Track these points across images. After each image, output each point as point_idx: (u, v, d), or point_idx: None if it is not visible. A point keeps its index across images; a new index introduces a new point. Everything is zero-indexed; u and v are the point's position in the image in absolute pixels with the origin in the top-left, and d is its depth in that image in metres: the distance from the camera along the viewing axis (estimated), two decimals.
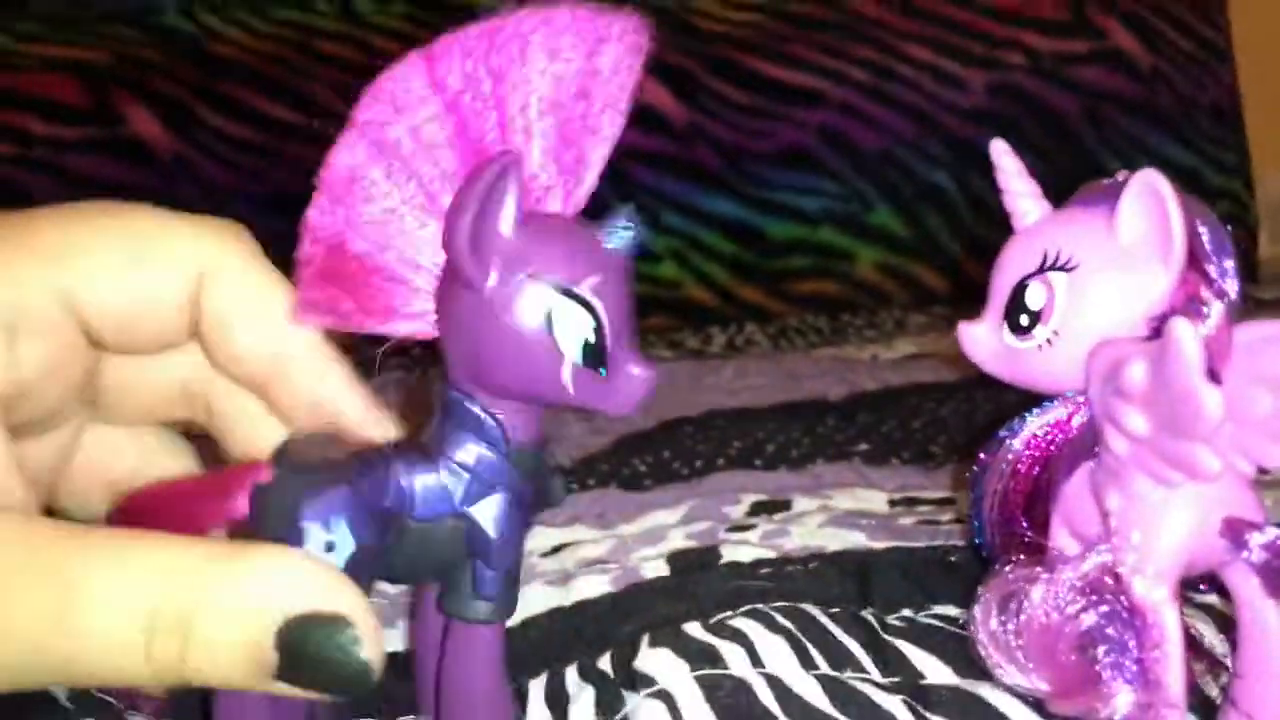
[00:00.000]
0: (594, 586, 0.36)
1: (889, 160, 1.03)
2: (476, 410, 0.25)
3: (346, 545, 0.24)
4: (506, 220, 0.24)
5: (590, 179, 0.25)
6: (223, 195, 0.98)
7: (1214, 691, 0.28)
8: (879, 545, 0.38)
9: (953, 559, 0.36)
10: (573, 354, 0.24)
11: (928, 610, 0.33)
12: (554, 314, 0.24)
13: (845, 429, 0.57)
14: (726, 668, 0.29)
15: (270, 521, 0.24)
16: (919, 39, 1.04)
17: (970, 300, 0.94)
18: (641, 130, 1.01)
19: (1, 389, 0.25)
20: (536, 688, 0.31)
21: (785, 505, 0.44)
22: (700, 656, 0.29)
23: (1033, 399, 0.29)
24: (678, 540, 0.40)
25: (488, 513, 0.25)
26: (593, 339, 0.24)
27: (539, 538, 0.44)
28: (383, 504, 0.24)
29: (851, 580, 0.35)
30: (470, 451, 0.25)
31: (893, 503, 0.44)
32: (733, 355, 0.90)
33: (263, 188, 0.99)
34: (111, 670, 0.22)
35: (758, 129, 1.02)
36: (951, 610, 0.33)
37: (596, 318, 0.24)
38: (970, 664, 0.30)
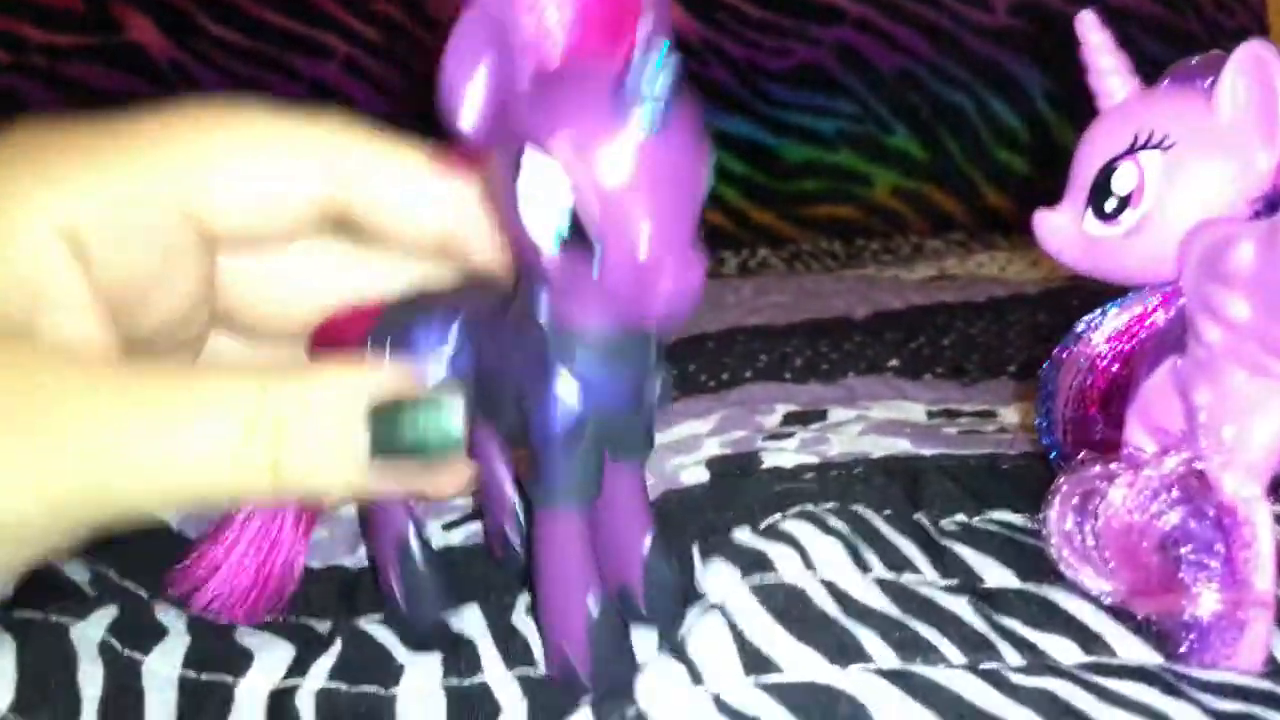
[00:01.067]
0: None
1: (908, 80, 1.00)
2: (525, 283, 0.23)
3: (440, 369, 0.25)
4: (486, 69, 0.21)
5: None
6: None
7: None
8: (926, 451, 0.36)
9: (1005, 466, 0.35)
10: (549, 225, 0.21)
11: (983, 515, 0.32)
12: (523, 171, 0.20)
13: (873, 345, 0.56)
14: (779, 572, 0.28)
15: (378, 338, 0.26)
16: None
17: (987, 227, 0.92)
18: None
19: (117, 283, 0.25)
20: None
21: (821, 415, 0.43)
22: (752, 564, 0.28)
23: (1081, 309, 0.28)
24: (714, 448, 0.39)
25: (540, 399, 0.23)
26: (569, 206, 0.20)
27: None
28: (439, 351, 0.25)
29: (900, 484, 0.33)
30: (524, 327, 0.23)
31: (931, 414, 0.43)
32: (748, 278, 0.88)
33: (261, 97, 0.96)
34: (213, 480, 0.23)
35: (773, 46, 0.99)
36: (1008, 515, 0.32)
37: (571, 178, 0.20)
38: (1032, 567, 0.28)
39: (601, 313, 0.22)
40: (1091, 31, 0.27)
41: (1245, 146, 0.24)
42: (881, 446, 0.37)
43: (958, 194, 1.00)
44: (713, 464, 0.36)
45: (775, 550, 0.29)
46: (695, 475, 0.36)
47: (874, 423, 0.40)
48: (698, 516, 0.32)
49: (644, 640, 0.28)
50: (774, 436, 0.40)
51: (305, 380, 0.23)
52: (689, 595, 0.28)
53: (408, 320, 0.26)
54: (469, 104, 0.21)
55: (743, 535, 0.30)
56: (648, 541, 0.27)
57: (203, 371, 0.25)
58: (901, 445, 0.37)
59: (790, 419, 0.43)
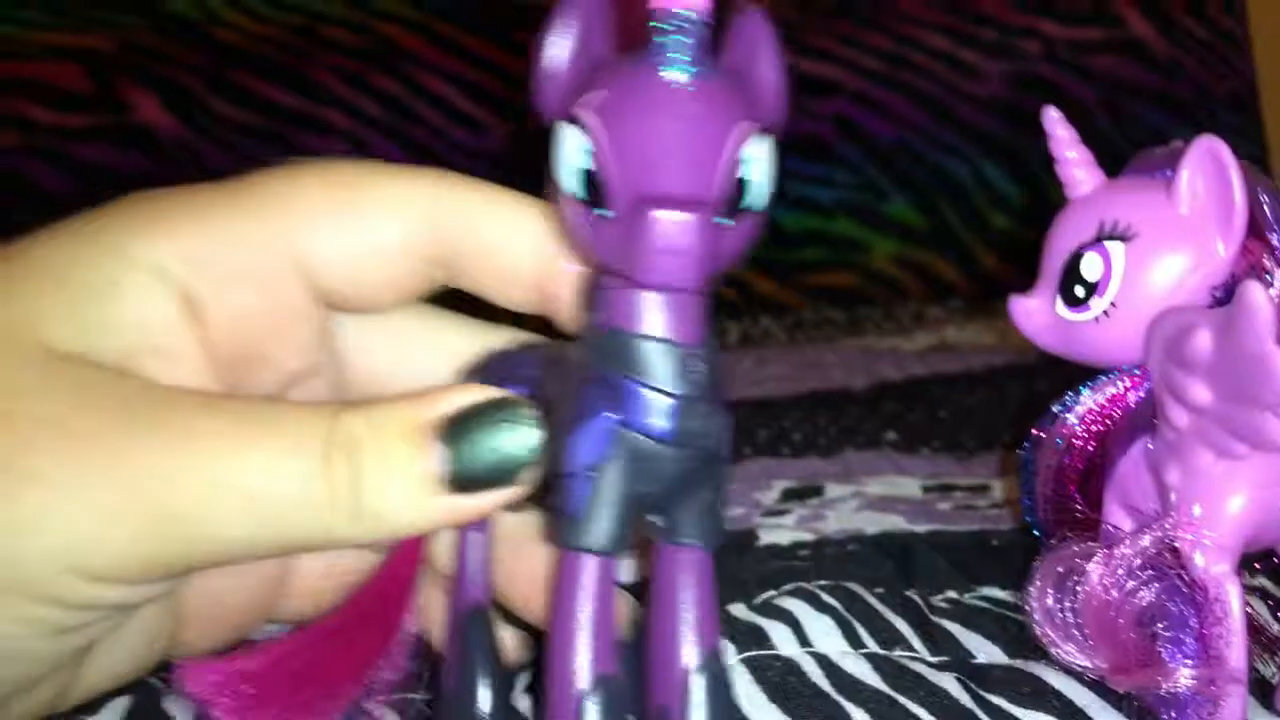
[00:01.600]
0: (627, 570, 0.36)
1: (904, 150, 1.02)
2: (585, 293, 0.23)
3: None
4: (570, 52, 0.21)
5: None
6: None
7: (1270, 671, 0.27)
8: (919, 528, 0.37)
9: (995, 542, 0.36)
10: (573, 185, 0.21)
11: (973, 592, 0.33)
12: (560, 142, 0.21)
13: (871, 418, 0.57)
14: (774, 648, 0.29)
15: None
16: (935, 27, 1.04)
17: (986, 294, 0.94)
18: None
19: (225, 330, 0.25)
20: None
21: (817, 491, 0.44)
22: (747, 637, 0.29)
23: (1075, 379, 0.29)
24: None
25: (570, 406, 0.21)
26: (588, 164, 0.20)
27: None
28: (522, 381, 0.24)
29: (894, 561, 0.34)
30: (580, 343, 0.23)
31: (927, 489, 0.44)
32: (750, 348, 0.89)
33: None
34: (292, 510, 0.22)
35: None
36: (997, 592, 0.32)
37: (591, 137, 0.20)
38: (1020, 643, 0.29)
39: (642, 307, 0.21)
40: (1057, 127, 0.28)
41: (1204, 236, 0.25)
42: (876, 523, 0.38)
43: (956, 261, 1.02)
44: None
45: (770, 626, 0.30)
46: None
47: (870, 499, 0.41)
48: None
49: None
50: (771, 513, 0.41)
51: (377, 405, 0.23)
52: None
53: (485, 361, 0.26)
54: (547, 81, 0.21)
55: (738, 610, 0.31)
56: (702, 668, 0.22)
57: (277, 402, 0.25)
58: (895, 522, 0.38)
59: (788, 495, 0.44)
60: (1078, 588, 0.26)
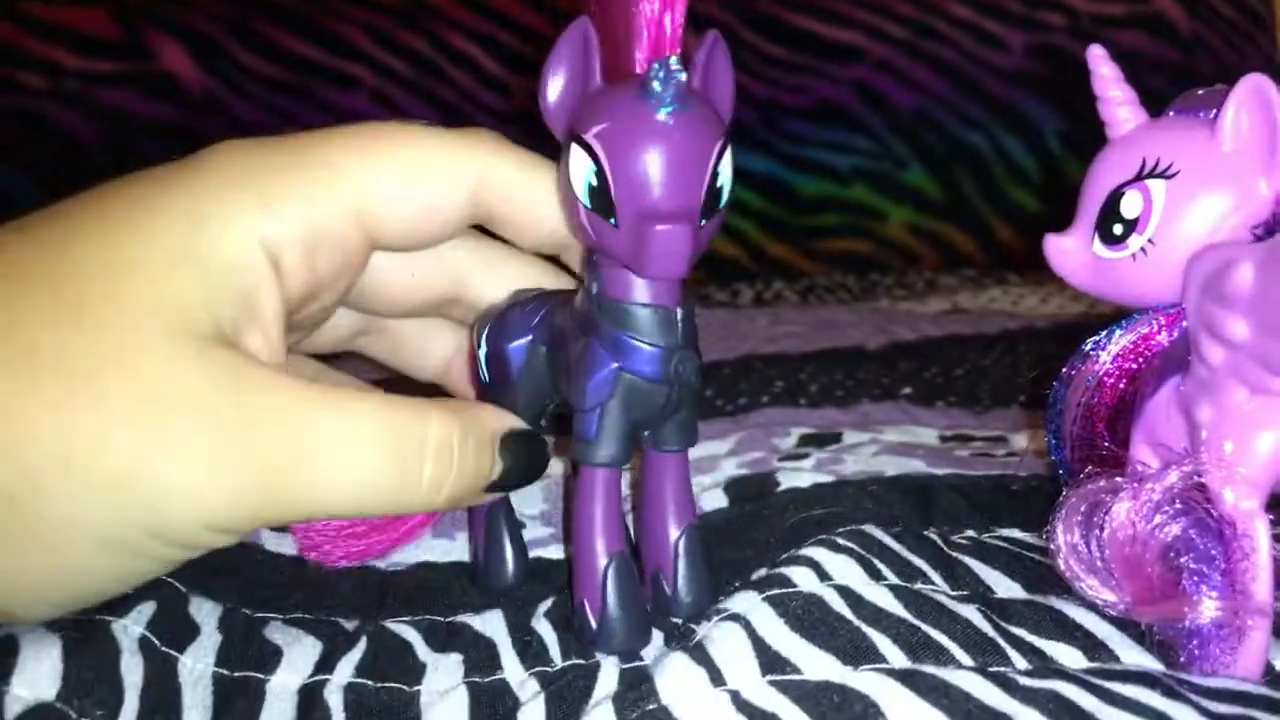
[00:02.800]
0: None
1: (924, 119, 1.02)
2: (586, 262, 0.28)
3: (485, 347, 0.31)
4: (564, 80, 0.27)
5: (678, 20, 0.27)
6: (252, 134, 0.97)
7: None
8: (938, 471, 0.37)
9: (1015, 487, 0.36)
10: (581, 195, 0.26)
11: (992, 532, 0.33)
12: (570, 158, 0.26)
13: (887, 375, 0.57)
14: (795, 586, 0.29)
15: (480, 324, 0.32)
16: None
17: (1000, 265, 0.93)
18: None
19: (299, 293, 0.29)
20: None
21: (836, 438, 0.44)
22: (768, 583, 0.29)
23: (1091, 330, 0.29)
24: (731, 469, 0.40)
25: (579, 356, 0.28)
26: (594, 181, 0.26)
27: None
28: (529, 329, 0.30)
29: (913, 501, 0.34)
30: (581, 303, 0.29)
31: (944, 438, 0.44)
32: (763, 308, 0.89)
33: (293, 128, 0.98)
34: (379, 487, 0.27)
35: (793, 84, 1.01)
36: (1016, 533, 0.33)
37: (596, 160, 0.25)
38: (1040, 580, 0.29)
39: (640, 284, 0.27)
40: (1101, 64, 0.28)
41: (1247, 174, 0.25)
42: (895, 466, 0.38)
43: (971, 231, 1.01)
44: (730, 488, 0.37)
45: (790, 571, 0.30)
46: (713, 500, 0.37)
47: (888, 445, 0.41)
48: (717, 552, 0.33)
49: (656, 642, 0.29)
50: (790, 457, 0.41)
51: (463, 414, 0.29)
52: (716, 594, 0.30)
53: (505, 308, 0.32)
54: (550, 99, 0.27)
55: (759, 574, 0.31)
56: (683, 535, 0.30)
57: (381, 399, 0.28)
58: (915, 465, 0.38)
59: (806, 440, 0.44)
60: (1103, 522, 0.26)
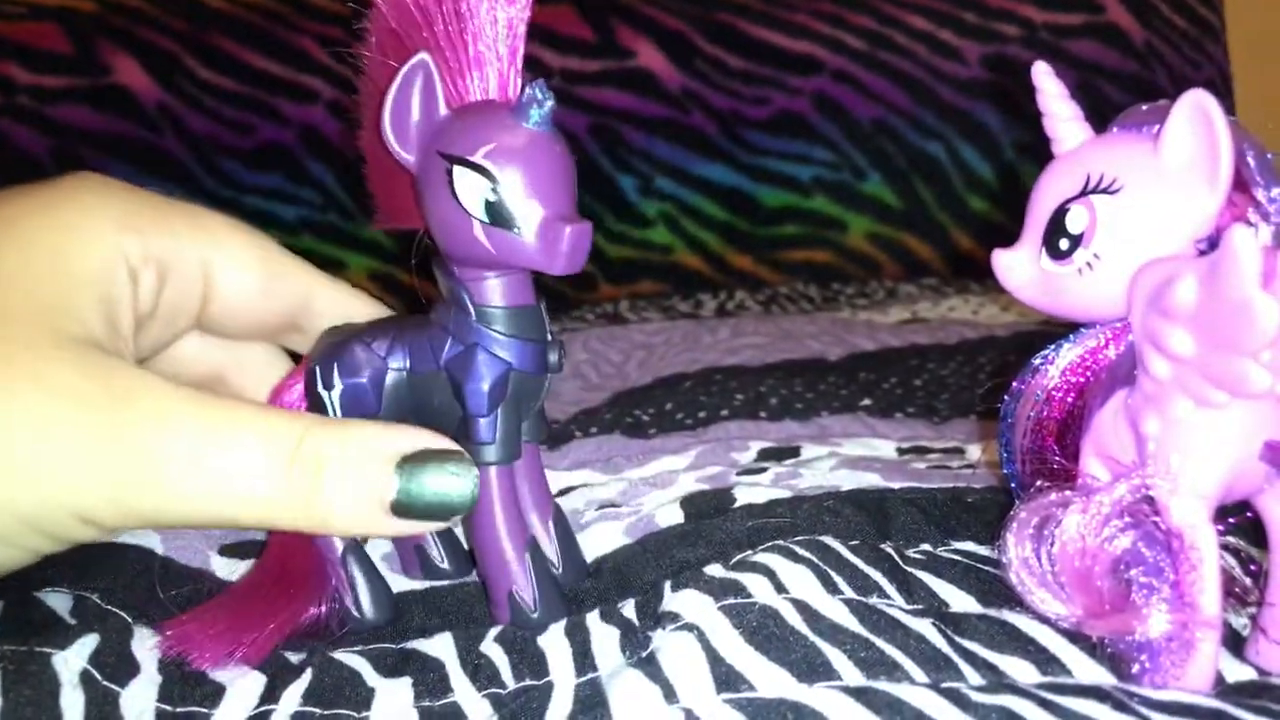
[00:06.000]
0: (609, 538, 0.36)
1: (883, 129, 1.02)
2: (449, 279, 0.30)
3: (338, 385, 0.31)
4: (415, 108, 0.29)
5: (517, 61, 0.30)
6: (207, 147, 0.96)
7: (1240, 621, 0.28)
8: (894, 485, 0.37)
9: (970, 499, 0.36)
10: (478, 213, 0.28)
11: (947, 545, 0.33)
12: (455, 180, 0.28)
13: (847, 386, 0.57)
14: (751, 596, 0.29)
15: (324, 359, 0.32)
16: (916, 8, 1.04)
17: (960, 273, 0.94)
18: (636, 94, 1.00)
19: (144, 314, 0.32)
20: (556, 629, 0.30)
21: (794, 452, 0.44)
22: (725, 590, 0.29)
23: (1050, 339, 0.29)
24: (689, 484, 0.40)
25: (465, 366, 0.30)
26: (492, 198, 0.28)
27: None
28: (383, 359, 0.31)
29: (869, 516, 0.34)
30: (448, 314, 0.31)
31: (902, 450, 0.44)
32: (725, 319, 0.89)
33: (248, 141, 0.97)
34: (252, 500, 0.27)
35: (753, 95, 1.02)
36: (971, 546, 0.33)
37: (492, 179, 0.28)
38: (994, 594, 0.29)
39: (513, 288, 0.30)
40: (1046, 80, 0.29)
41: (1190, 189, 0.25)
42: (852, 480, 0.38)
43: (930, 240, 1.02)
44: (687, 503, 0.37)
45: (747, 579, 0.30)
46: (670, 515, 0.36)
47: (846, 459, 0.41)
48: (670, 556, 0.33)
49: (610, 653, 0.29)
50: (748, 472, 0.41)
51: (345, 428, 0.28)
52: (583, 568, 0.34)
53: (347, 338, 0.32)
54: (404, 135, 0.30)
55: (714, 570, 0.31)
56: (551, 517, 0.34)
57: (257, 407, 0.28)
58: (871, 479, 0.38)
59: (765, 455, 0.44)
60: (1053, 535, 0.26)
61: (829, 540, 0.32)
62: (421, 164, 0.30)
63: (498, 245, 0.29)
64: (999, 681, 0.25)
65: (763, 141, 1.02)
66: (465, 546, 0.37)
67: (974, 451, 0.44)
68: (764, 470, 0.41)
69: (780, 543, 0.32)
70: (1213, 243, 0.25)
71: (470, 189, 0.28)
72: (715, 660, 0.26)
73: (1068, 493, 0.26)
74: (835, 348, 0.66)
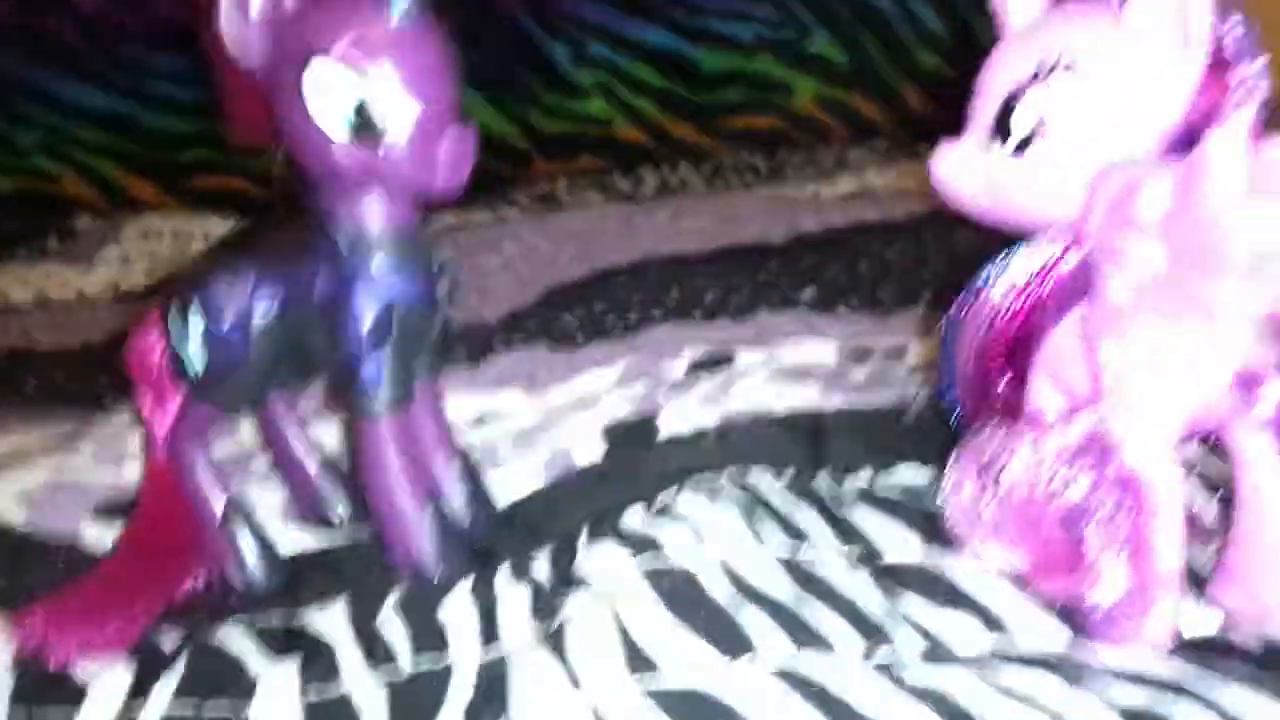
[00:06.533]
0: (524, 478, 0.33)
1: None
2: (317, 204, 0.26)
3: (197, 334, 0.28)
4: (243, 7, 0.25)
5: None
6: (101, 28, 0.89)
7: (1203, 560, 0.25)
8: (830, 405, 0.34)
9: (909, 418, 0.33)
10: (336, 126, 0.24)
11: (887, 472, 0.30)
12: (309, 82, 0.24)
13: (789, 274, 0.54)
14: (669, 553, 0.26)
15: (181, 297, 0.28)
16: None
17: (910, 133, 0.89)
18: None
19: None
20: (461, 591, 0.27)
21: (727, 360, 0.41)
22: (641, 546, 0.26)
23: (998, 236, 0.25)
24: (613, 406, 0.37)
25: (342, 304, 0.26)
26: (353, 108, 0.24)
27: (463, 405, 0.40)
28: (252, 296, 0.27)
29: (803, 442, 0.31)
30: (320, 245, 0.26)
31: (842, 352, 0.41)
32: (667, 198, 0.85)
33: (142, 19, 0.90)
34: None
35: None
36: (912, 473, 0.30)
37: (352, 79, 0.24)
38: (936, 538, 0.27)
39: (390, 207, 0.26)
40: None
41: (1159, 65, 0.21)
42: (787, 396, 0.35)
43: (880, 100, 0.97)
44: (609, 434, 0.34)
45: (668, 533, 0.27)
46: (590, 453, 0.33)
47: (783, 367, 0.38)
48: (587, 501, 0.30)
49: (519, 621, 0.26)
50: (676, 388, 0.38)
51: None
52: (492, 514, 0.31)
53: (204, 277, 0.28)
54: (244, 31, 0.25)
55: (634, 518, 0.28)
56: (454, 465, 0.30)
57: None
58: (807, 396, 0.35)
59: (697, 366, 0.41)
60: (1000, 481, 0.23)
61: (758, 474, 0.29)
62: (268, 66, 0.25)
63: (363, 160, 0.25)
64: (937, 653, 0.22)
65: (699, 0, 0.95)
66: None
67: (918, 349, 0.41)
68: (693, 387, 0.38)
69: (703, 480, 0.29)
70: (1183, 139, 0.21)
71: (327, 94, 0.24)
72: (628, 638, 0.23)
73: (1015, 431, 0.23)
74: (778, 229, 0.63)
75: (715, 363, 0.41)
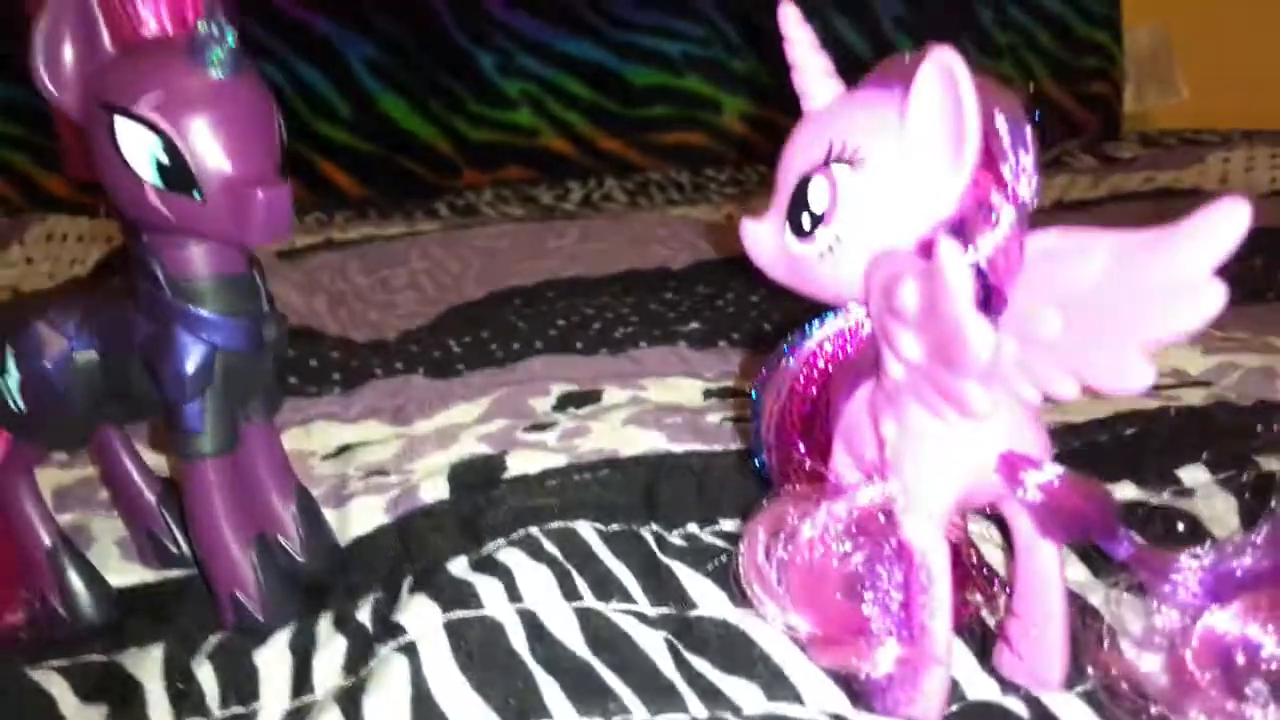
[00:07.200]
0: (369, 515, 0.33)
1: (757, 1, 0.97)
2: (136, 245, 0.26)
3: (14, 372, 0.28)
4: (69, 45, 0.25)
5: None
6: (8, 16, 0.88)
7: (994, 621, 0.26)
8: (677, 448, 0.35)
9: (749, 464, 0.34)
10: (149, 176, 0.24)
11: (713, 525, 0.31)
12: (118, 135, 0.24)
13: (679, 304, 0.54)
14: (481, 607, 0.26)
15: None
16: None
17: None
18: None
19: None
20: (280, 638, 0.28)
21: (595, 397, 0.41)
22: (455, 598, 0.26)
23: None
24: (468, 444, 0.37)
25: (162, 349, 0.26)
26: (164, 159, 0.24)
27: (327, 435, 0.40)
28: (69, 337, 0.27)
29: (637, 491, 0.32)
30: (142, 289, 0.26)
31: (708, 393, 0.42)
32: (588, 214, 0.86)
33: None
34: None
35: None
36: (735, 526, 0.31)
37: (162, 135, 0.24)
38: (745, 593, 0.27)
39: (216, 256, 0.26)
40: (794, 27, 0.25)
41: (935, 164, 0.22)
42: (636, 441, 0.35)
43: None
44: (454, 474, 0.34)
45: (482, 582, 0.27)
46: (435, 489, 0.34)
47: (643, 409, 0.39)
48: (424, 543, 0.31)
49: (331, 671, 0.26)
50: (535, 427, 0.38)
51: None
52: (330, 552, 0.31)
53: (26, 314, 0.28)
54: (59, 76, 0.25)
55: (457, 567, 0.28)
56: (293, 501, 0.31)
57: None
58: (655, 441, 0.35)
59: (564, 401, 0.41)
60: (789, 543, 0.24)
61: (583, 529, 0.29)
62: (83, 112, 0.25)
63: (177, 211, 0.25)
64: (719, 715, 0.23)
65: (630, 15, 0.96)
66: None
67: None
68: (554, 425, 0.38)
69: (531, 532, 0.29)
70: (955, 227, 0.22)
71: (138, 146, 0.24)
72: (420, 699, 0.24)
73: (808, 498, 0.24)
74: (682, 254, 0.63)
75: (584, 398, 0.41)
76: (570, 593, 0.27)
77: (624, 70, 0.96)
